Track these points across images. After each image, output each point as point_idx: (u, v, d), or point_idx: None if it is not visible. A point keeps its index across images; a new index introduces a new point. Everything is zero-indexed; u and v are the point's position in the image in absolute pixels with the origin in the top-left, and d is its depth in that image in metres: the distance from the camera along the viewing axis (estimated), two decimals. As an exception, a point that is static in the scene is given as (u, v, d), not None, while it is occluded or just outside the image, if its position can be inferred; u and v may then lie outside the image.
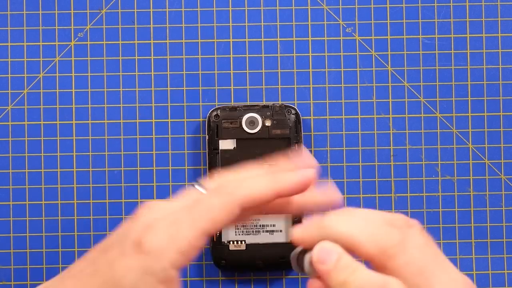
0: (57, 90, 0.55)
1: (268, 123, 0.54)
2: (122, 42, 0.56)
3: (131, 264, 0.34)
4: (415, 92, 0.56)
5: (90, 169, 0.55)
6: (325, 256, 0.33)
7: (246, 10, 0.56)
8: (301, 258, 0.35)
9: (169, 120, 0.55)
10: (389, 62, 0.56)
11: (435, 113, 0.56)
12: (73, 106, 0.55)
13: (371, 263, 0.34)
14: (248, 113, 0.54)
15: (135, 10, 0.56)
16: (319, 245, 0.34)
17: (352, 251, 0.34)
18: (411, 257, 0.33)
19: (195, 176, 0.55)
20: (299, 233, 0.35)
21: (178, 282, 0.35)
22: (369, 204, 0.55)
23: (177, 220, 0.35)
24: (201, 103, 0.56)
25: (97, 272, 0.35)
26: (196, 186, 0.37)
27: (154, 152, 0.55)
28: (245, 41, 0.56)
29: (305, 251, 0.35)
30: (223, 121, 0.54)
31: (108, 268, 0.35)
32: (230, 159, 0.53)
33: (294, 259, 0.35)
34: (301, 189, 0.37)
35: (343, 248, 0.34)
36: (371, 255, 0.33)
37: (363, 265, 0.33)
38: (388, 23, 0.56)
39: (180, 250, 0.34)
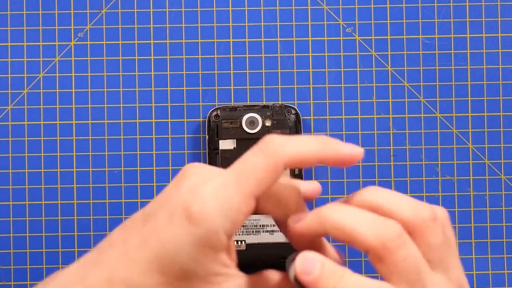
0: (57, 90, 0.56)
1: (268, 123, 0.54)
2: (122, 42, 0.56)
3: (184, 235, 0.32)
4: (415, 92, 0.56)
5: (90, 169, 0.55)
6: (309, 266, 0.33)
7: (246, 10, 0.56)
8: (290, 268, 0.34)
9: (169, 120, 0.55)
10: (389, 62, 0.56)
11: (435, 113, 0.56)
12: (73, 106, 0.55)
13: (369, 255, 0.33)
14: (248, 113, 0.54)
15: (135, 10, 0.56)
16: (300, 256, 0.33)
17: (351, 242, 0.33)
18: (410, 254, 0.32)
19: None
20: (297, 224, 0.34)
21: (234, 248, 0.34)
22: (369, 204, 0.55)
23: (224, 183, 0.33)
24: (201, 103, 0.56)
25: (145, 244, 0.33)
26: None
27: (154, 152, 0.55)
28: (245, 41, 0.56)
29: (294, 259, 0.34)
30: (223, 121, 0.54)
31: (157, 240, 0.33)
32: (230, 159, 0.53)
33: (288, 267, 0.34)
34: (347, 162, 0.35)
35: (342, 240, 0.33)
36: (370, 246, 0.32)
37: (348, 270, 0.33)
38: (388, 23, 0.56)
39: (231, 217, 0.32)
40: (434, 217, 0.34)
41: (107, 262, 0.34)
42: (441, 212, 0.35)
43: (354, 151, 0.35)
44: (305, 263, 0.33)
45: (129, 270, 0.33)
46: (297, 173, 0.53)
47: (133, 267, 0.33)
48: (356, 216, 0.33)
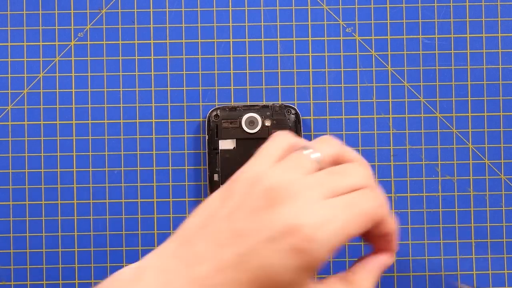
0: (57, 90, 0.56)
1: (268, 123, 0.54)
2: (122, 42, 0.56)
3: (290, 262, 0.33)
4: (415, 92, 0.56)
5: (90, 169, 0.55)
6: None
7: (246, 10, 0.56)
8: None
9: (169, 120, 0.55)
10: (389, 62, 0.56)
11: (435, 113, 0.56)
12: (73, 106, 0.55)
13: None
14: (248, 113, 0.54)
15: (135, 10, 0.56)
16: None
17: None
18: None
19: (195, 176, 0.55)
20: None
21: None
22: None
23: (333, 207, 0.34)
24: (201, 103, 0.56)
25: (245, 265, 0.33)
26: (307, 152, 0.36)
27: (154, 152, 0.55)
28: (245, 41, 0.56)
29: None
30: (223, 121, 0.54)
31: (259, 263, 0.33)
32: (230, 159, 0.53)
33: None
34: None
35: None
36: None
37: None
38: (388, 23, 0.56)
39: (334, 247, 0.34)
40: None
41: (197, 274, 0.34)
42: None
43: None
44: None
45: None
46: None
47: (234, 286, 0.34)
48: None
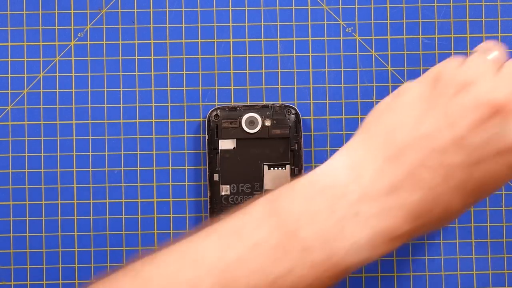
0: (57, 90, 0.56)
1: (268, 123, 0.53)
2: (122, 42, 0.56)
3: (508, 171, 0.35)
4: (415, 92, 0.56)
5: (90, 169, 0.55)
6: None
7: (246, 10, 0.56)
8: None
9: (169, 120, 0.55)
10: (389, 62, 0.56)
11: (435, 113, 0.56)
12: (73, 106, 0.55)
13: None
14: (248, 113, 0.54)
15: (135, 10, 0.56)
16: None
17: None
18: None
19: (195, 176, 0.55)
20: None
21: None
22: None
23: None
24: (201, 103, 0.56)
25: (471, 170, 0.35)
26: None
27: (154, 152, 0.55)
28: (245, 41, 0.56)
29: None
30: (223, 121, 0.54)
31: (483, 168, 0.35)
32: (230, 159, 0.53)
33: None
34: None
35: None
36: None
37: None
38: (388, 23, 0.56)
39: None
40: None
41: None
42: None
43: None
44: None
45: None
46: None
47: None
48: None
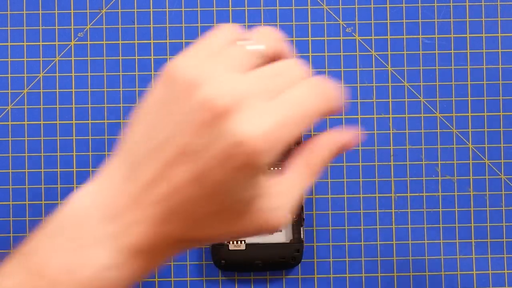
0: (57, 90, 0.56)
1: (268, 123, 0.53)
2: (122, 42, 0.56)
3: (238, 174, 0.32)
4: (415, 92, 0.56)
5: (90, 169, 0.55)
6: None
7: (246, 10, 0.56)
8: None
9: (169, 120, 0.55)
10: (389, 62, 0.56)
11: (435, 113, 0.56)
12: (73, 106, 0.55)
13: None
14: (248, 113, 0.53)
15: (135, 10, 0.56)
16: None
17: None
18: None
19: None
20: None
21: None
22: (369, 204, 0.55)
23: (279, 111, 0.33)
24: (201, 103, 0.55)
25: (199, 179, 0.32)
26: (251, 47, 0.34)
27: (154, 152, 0.55)
28: (245, 41, 0.56)
29: None
30: (223, 121, 0.53)
31: (211, 176, 0.32)
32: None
33: None
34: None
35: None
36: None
37: None
38: (388, 23, 0.56)
39: (278, 151, 0.33)
40: None
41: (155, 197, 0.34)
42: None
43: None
44: None
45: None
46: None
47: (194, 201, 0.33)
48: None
